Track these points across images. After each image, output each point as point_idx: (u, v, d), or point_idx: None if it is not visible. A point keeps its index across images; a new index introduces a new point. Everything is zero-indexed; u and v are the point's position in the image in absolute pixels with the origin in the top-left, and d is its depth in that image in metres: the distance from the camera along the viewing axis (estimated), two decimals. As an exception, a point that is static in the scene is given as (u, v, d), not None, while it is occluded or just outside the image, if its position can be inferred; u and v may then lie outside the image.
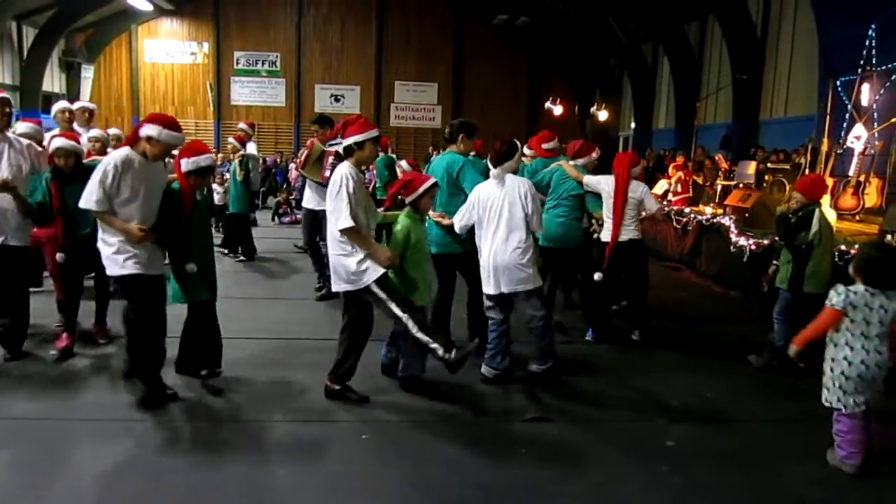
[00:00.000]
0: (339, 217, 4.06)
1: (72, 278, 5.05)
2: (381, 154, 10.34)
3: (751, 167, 10.67)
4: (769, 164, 10.61)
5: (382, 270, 4.13)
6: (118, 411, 4.07)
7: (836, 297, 3.60)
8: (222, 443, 3.75)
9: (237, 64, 24.50)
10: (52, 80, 21.75)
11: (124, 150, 4.11)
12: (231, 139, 9.92)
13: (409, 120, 24.97)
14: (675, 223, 9.83)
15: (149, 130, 4.05)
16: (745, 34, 14.07)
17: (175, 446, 3.70)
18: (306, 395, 4.44)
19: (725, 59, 14.91)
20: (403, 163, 9.61)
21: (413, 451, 3.74)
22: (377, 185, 10.06)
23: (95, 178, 3.99)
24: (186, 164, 4.21)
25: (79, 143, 5.05)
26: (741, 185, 10.21)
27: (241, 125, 9.73)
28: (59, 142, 4.82)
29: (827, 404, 3.70)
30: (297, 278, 8.14)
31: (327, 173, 6.73)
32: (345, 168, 4.15)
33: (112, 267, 4.08)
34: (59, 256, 4.85)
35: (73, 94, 21.54)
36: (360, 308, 4.33)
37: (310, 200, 7.11)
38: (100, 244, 4.14)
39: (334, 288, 4.35)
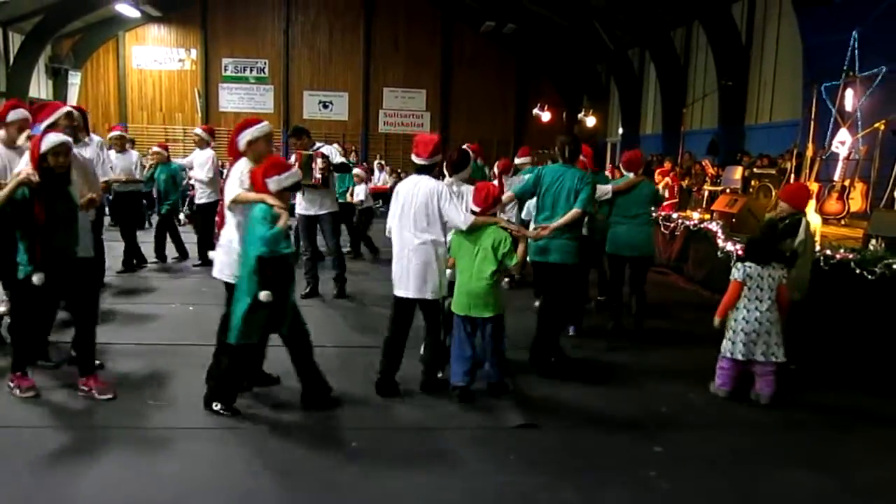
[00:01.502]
0: (461, 218, 4.40)
1: (47, 305, 4.36)
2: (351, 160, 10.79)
3: (737, 172, 10.76)
4: (755, 170, 10.70)
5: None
6: (99, 419, 4.05)
7: (736, 272, 4.71)
8: (209, 450, 3.73)
9: (225, 70, 24.44)
10: (39, 87, 21.60)
11: (243, 162, 4.28)
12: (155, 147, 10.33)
13: (398, 126, 24.97)
14: (662, 228, 9.88)
15: (246, 136, 4.27)
16: (730, 40, 14.20)
17: (164, 453, 3.67)
18: (294, 402, 4.42)
19: (711, 65, 15.03)
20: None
21: (402, 458, 3.74)
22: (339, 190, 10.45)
23: (236, 181, 4.21)
24: (277, 182, 4.02)
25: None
26: (728, 191, 10.29)
27: (197, 130, 9.47)
28: (60, 137, 4.22)
29: (724, 352, 4.72)
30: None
31: (318, 174, 6.92)
32: (438, 183, 4.54)
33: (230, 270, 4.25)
34: (35, 278, 4.04)
35: (59, 100, 21.41)
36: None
37: (307, 207, 7.26)
38: (228, 249, 4.25)
39: (413, 294, 4.44)
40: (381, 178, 18.11)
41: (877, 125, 8.68)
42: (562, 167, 5.35)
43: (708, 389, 4.92)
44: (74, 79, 23.29)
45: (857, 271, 5.51)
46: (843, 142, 9.33)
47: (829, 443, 4.16)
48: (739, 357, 4.64)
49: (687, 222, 9.32)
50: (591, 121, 18.68)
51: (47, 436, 3.85)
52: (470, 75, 24.63)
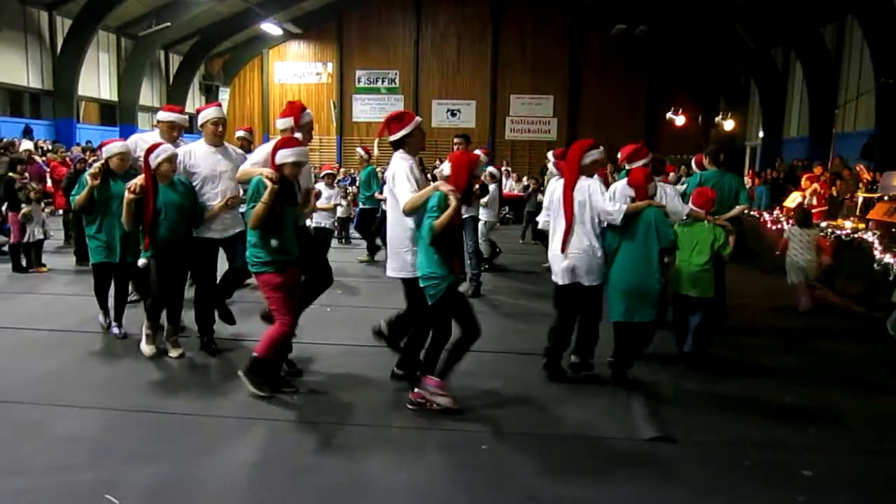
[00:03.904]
0: (679, 208, 5.42)
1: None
2: (368, 164, 10.55)
3: (898, 178, 9.82)
4: (919, 175, 9.71)
5: None
6: (254, 410, 4.33)
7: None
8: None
9: (358, 82, 25.55)
10: (194, 102, 23.59)
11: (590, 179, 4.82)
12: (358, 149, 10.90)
13: (525, 133, 24.98)
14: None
15: (594, 156, 4.83)
16: (891, 34, 13.00)
17: (309, 444, 3.87)
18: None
19: (867, 61, 13.85)
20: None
21: (525, 465, 3.72)
22: (363, 196, 10.23)
23: (605, 194, 4.82)
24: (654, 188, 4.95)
25: None
26: (887, 198, 9.41)
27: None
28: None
29: (788, 282, 7.05)
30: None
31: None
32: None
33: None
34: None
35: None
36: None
37: (482, 212, 8.44)
38: (588, 255, 4.78)
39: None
40: (507, 185, 17.63)
41: None
42: (718, 172, 6.30)
43: (861, 410, 4.54)
44: (224, 94, 25.25)
45: None
46: None
47: None
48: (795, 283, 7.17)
49: (839, 232, 8.63)
50: (729, 124, 17.76)
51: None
52: (598, 80, 24.24)
